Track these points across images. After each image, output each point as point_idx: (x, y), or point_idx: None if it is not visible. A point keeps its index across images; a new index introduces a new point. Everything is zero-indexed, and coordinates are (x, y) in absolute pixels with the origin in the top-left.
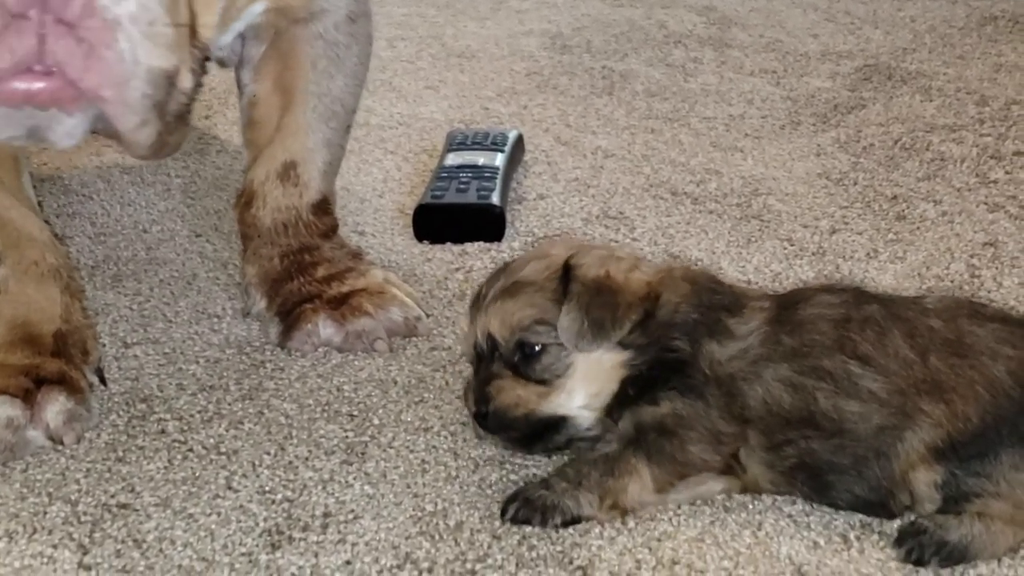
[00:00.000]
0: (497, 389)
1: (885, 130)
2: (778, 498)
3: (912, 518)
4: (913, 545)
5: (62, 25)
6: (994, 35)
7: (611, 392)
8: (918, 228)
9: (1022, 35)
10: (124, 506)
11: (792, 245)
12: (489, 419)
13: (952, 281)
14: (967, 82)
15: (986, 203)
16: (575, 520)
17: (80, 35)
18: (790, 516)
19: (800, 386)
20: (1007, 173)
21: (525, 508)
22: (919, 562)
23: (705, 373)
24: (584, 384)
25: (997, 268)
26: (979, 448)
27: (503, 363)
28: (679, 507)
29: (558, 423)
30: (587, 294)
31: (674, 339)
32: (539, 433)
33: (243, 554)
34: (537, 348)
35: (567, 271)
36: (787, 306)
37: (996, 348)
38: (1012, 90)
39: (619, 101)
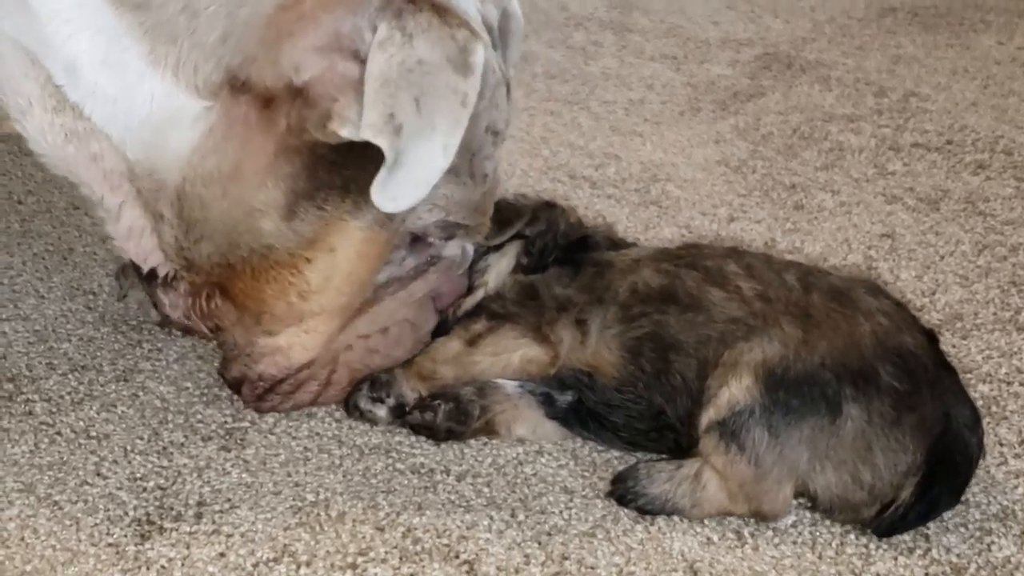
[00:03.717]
0: None
1: (784, 119)
2: None
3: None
4: (621, 489)
5: None
6: (893, 27)
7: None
8: (816, 218)
9: (920, 27)
10: None
11: (690, 232)
12: None
13: (850, 272)
14: (866, 73)
15: (884, 194)
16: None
17: None
18: None
19: (670, 272)
20: (905, 164)
21: (369, 387)
22: (621, 502)
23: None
24: None
25: (894, 260)
26: (798, 394)
27: None
28: (571, 500)
29: None
30: None
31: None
32: None
33: (110, 544)
34: None
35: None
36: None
37: (874, 313)
38: (910, 82)
39: (518, 82)
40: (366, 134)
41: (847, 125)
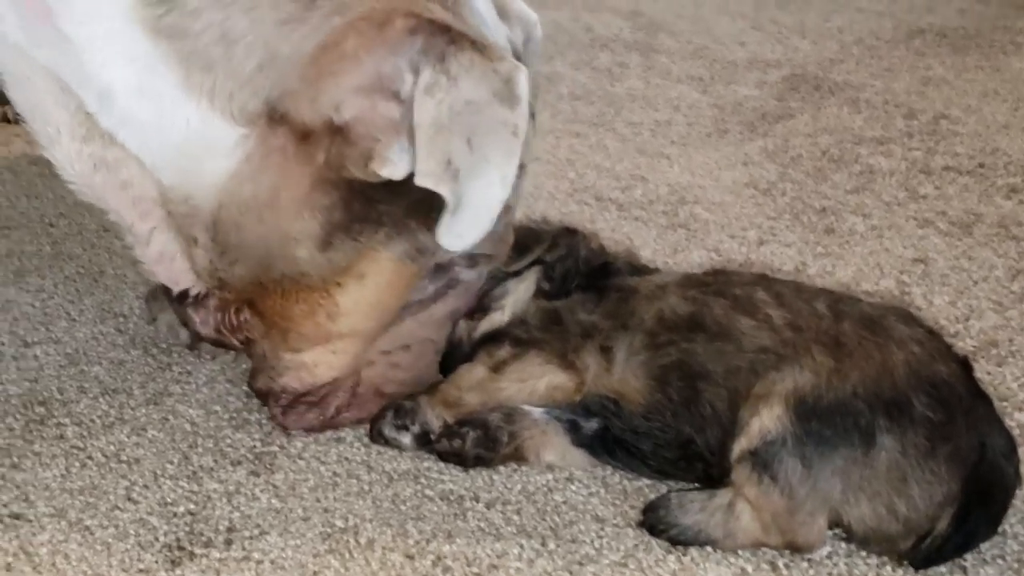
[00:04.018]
0: None
1: (813, 141)
2: None
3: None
4: (653, 518)
5: None
6: (922, 48)
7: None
8: (847, 242)
9: (949, 49)
10: (17, 516)
11: (719, 256)
12: None
13: (881, 298)
14: (895, 95)
15: (916, 218)
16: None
17: None
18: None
19: (698, 299)
20: (936, 188)
21: (393, 415)
22: (653, 532)
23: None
24: None
25: (927, 286)
26: (831, 424)
27: None
28: (602, 529)
29: None
30: None
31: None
32: None
33: (141, 570)
34: None
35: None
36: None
37: (907, 341)
38: (940, 104)
39: (544, 104)
40: (425, 182)
41: (877, 148)
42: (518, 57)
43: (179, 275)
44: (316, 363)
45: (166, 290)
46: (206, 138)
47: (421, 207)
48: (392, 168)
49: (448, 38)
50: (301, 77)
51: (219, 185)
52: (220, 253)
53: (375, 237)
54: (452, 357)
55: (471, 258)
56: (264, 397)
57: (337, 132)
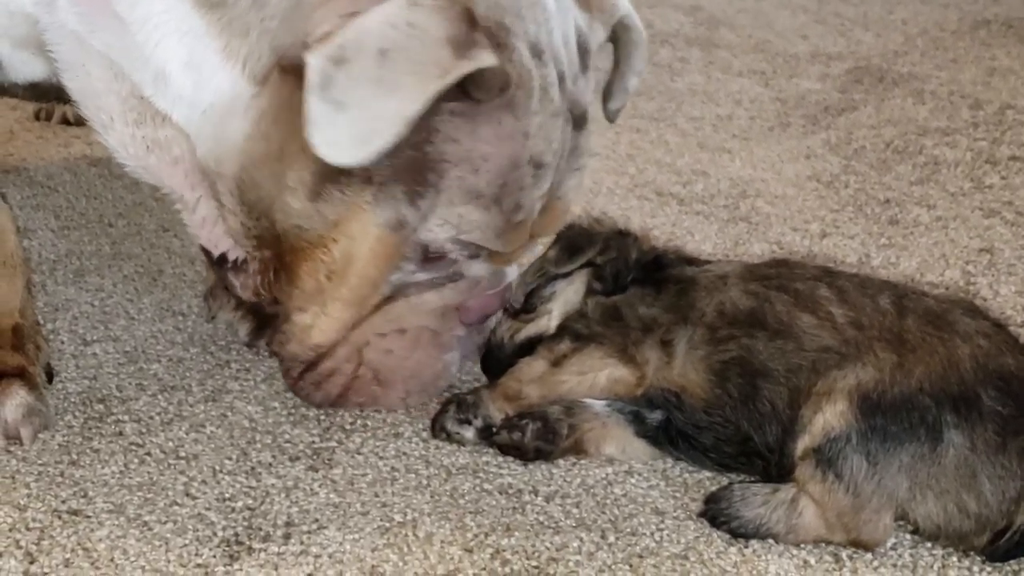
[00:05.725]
0: None
1: (877, 133)
2: None
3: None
4: (714, 510)
5: None
6: (987, 39)
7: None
8: (911, 233)
9: (1015, 39)
10: (75, 512)
11: (781, 249)
12: None
13: (947, 288)
14: (960, 85)
15: (981, 208)
16: (487, 417)
17: None
18: None
19: (759, 294)
20: (1002, 178)
21: (456, 409)
22: (714, 523)
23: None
24: None
25: (993, 275)
26: (896, 420)
27: None
28: (662, 522)
29: None
30: None
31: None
32: None
33: (199, 565)
34: None
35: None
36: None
37: (972, 335)
38: (1006, 94)
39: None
40: (308, 54)
41: (942, 139)
42: (584, 54)
43: (219, 239)
44: (312, 325)
45: (207, 254)
46: (229, 100)
47: (408, 175)
48: None
49: None
50: (305, 17)
51: (239, 146)
52: (247, 213)
53: (362, 194)
54: (493, 358)
55: (464, 247)
56: (283, 366)
57: None
